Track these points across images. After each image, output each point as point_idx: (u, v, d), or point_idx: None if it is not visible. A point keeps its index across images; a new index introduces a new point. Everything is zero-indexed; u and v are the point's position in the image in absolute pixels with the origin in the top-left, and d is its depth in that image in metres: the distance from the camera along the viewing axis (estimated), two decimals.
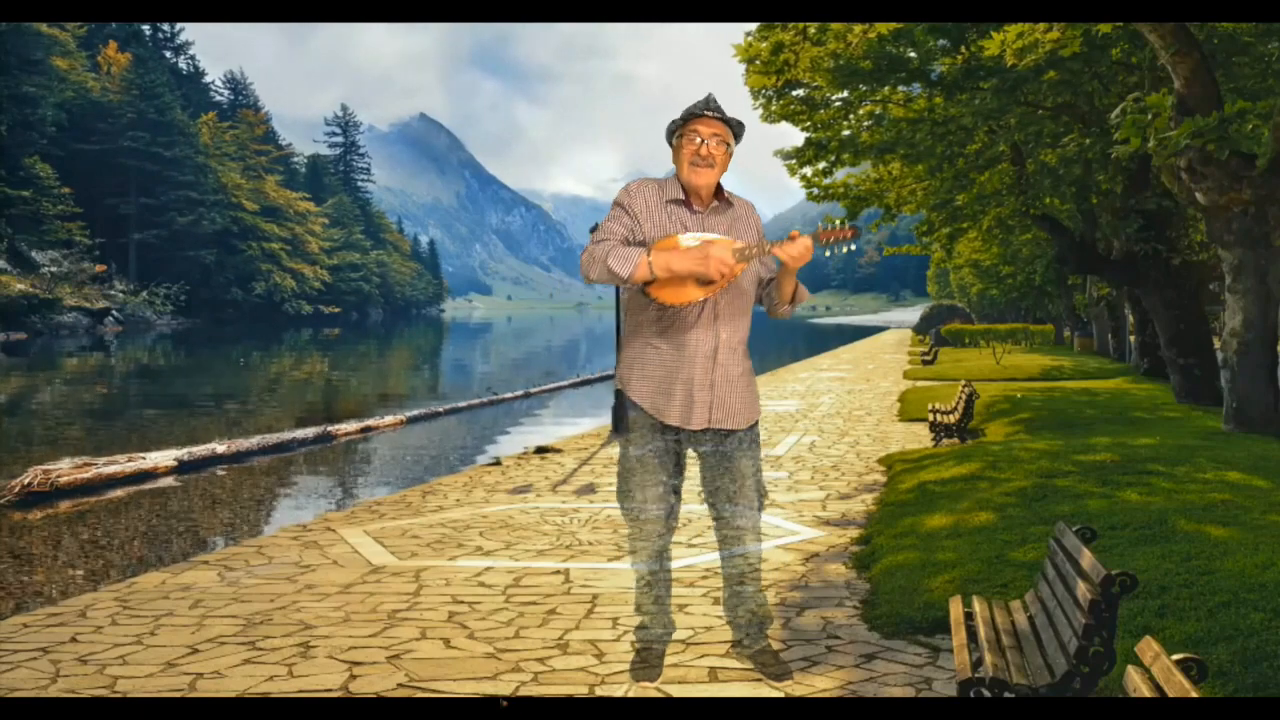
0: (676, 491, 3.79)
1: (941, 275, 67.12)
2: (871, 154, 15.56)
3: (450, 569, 5.73)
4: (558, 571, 5.62)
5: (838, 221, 3.46)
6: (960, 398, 11.38)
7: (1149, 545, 4.96)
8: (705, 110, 3.58)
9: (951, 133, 14.46)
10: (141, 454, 11.58)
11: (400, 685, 3.82)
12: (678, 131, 3.62)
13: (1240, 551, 4.65)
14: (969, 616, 3.39)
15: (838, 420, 14.19)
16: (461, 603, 5.00)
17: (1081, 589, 2.73)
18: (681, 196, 3.65)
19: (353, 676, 3.93)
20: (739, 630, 3.90)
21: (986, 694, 2.76)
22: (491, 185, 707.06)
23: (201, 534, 8.70)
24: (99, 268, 65.51)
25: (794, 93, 14.87)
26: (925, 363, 28.96)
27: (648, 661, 3.84)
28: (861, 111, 15.68)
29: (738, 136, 3.65)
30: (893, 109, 15.28)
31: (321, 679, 3.91)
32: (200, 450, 12.17)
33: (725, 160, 3.63)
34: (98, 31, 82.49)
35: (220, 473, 11.68)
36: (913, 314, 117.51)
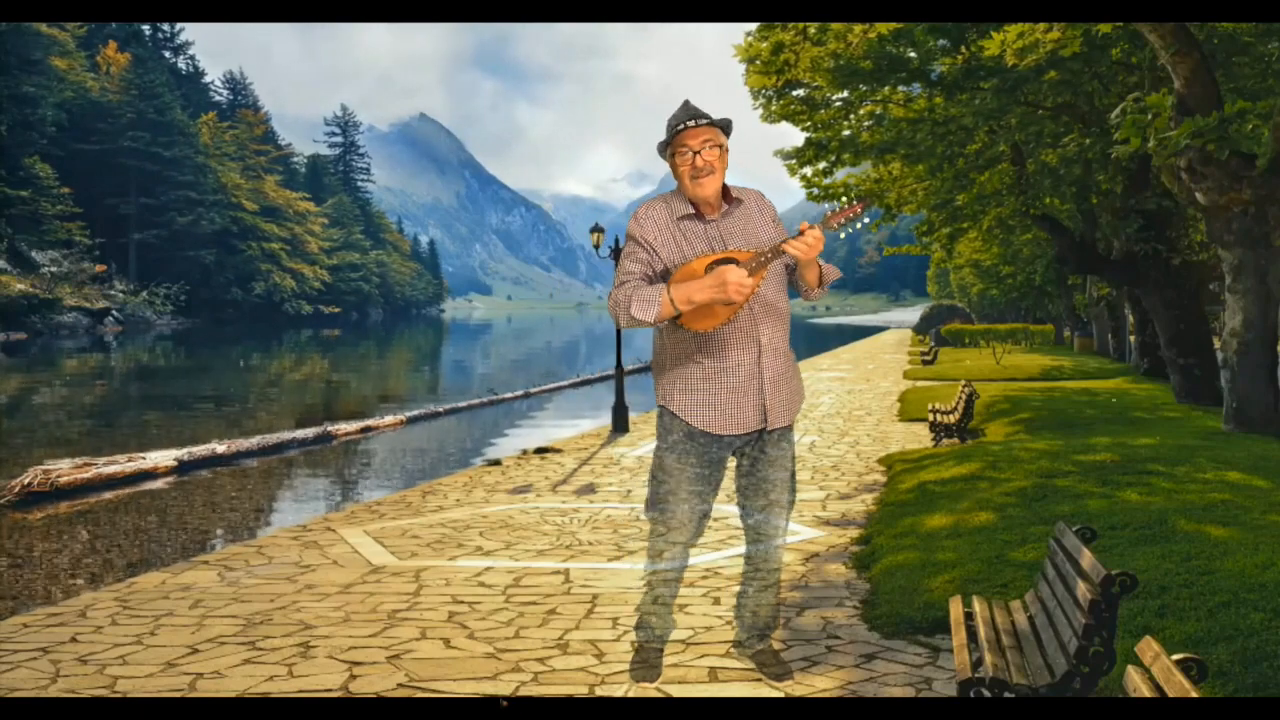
0: (707, 505, 3.76)
1: (941, 275, 67.12)
2: (872, 154, 15.55)
3: (450, 569, 5.73)
4: (558, 571, 5.62)
5: (843, 201, 3.46)
6: (960, 398, 11.38)
7: (1149, 545, 4.96)
8: (686, 122, 3.55)
9: (952, 133, 14.45)
10: (141, 454, 11.58)
11: (400, 685, 3.82)
12: (669, 149, 3.61)
13: (1240, 551, 4.65)
14: (969, 616, 3.39)
15: (838, 420, 14.19)
16: (461, 603, 5.00)
17: (1081, 589, 2.73)
18: (690, 210, 3.64)
19: (353, 676, 3.93)
20: (744, 629, 3.89)
21: (986, 694, 2.76)
22: (491, 185, 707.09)
23: (201, 534, 8.71)
24: (99, 268, 65.49)
25: (794, 93, 14.87)
26: (925, 363, 28.96)
27: (648, 661, 3.83)
28: (862, 111, 15.67)
29: (727, 132, 3.63)
30: (893, 109, 15.28)
31: (321, 679, 3.91)
32: (200, 450, 12.17)
33: (723, 161, 3.60)
34: (97, 31, 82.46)
35: (220, 473, 11.68)
36: (913, 314, 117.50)
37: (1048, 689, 2.72)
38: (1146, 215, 14.43)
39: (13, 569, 7.26)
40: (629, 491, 8.37)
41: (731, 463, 3.80)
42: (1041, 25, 10.22)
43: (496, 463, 10.80)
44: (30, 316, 54.93)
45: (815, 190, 17.07)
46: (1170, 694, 1.99)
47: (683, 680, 3.81)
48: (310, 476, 12.00)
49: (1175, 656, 2.09)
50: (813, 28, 13.04)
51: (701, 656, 4.08)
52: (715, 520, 3.86)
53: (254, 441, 13.21)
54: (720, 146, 3.58)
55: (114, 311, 64.24)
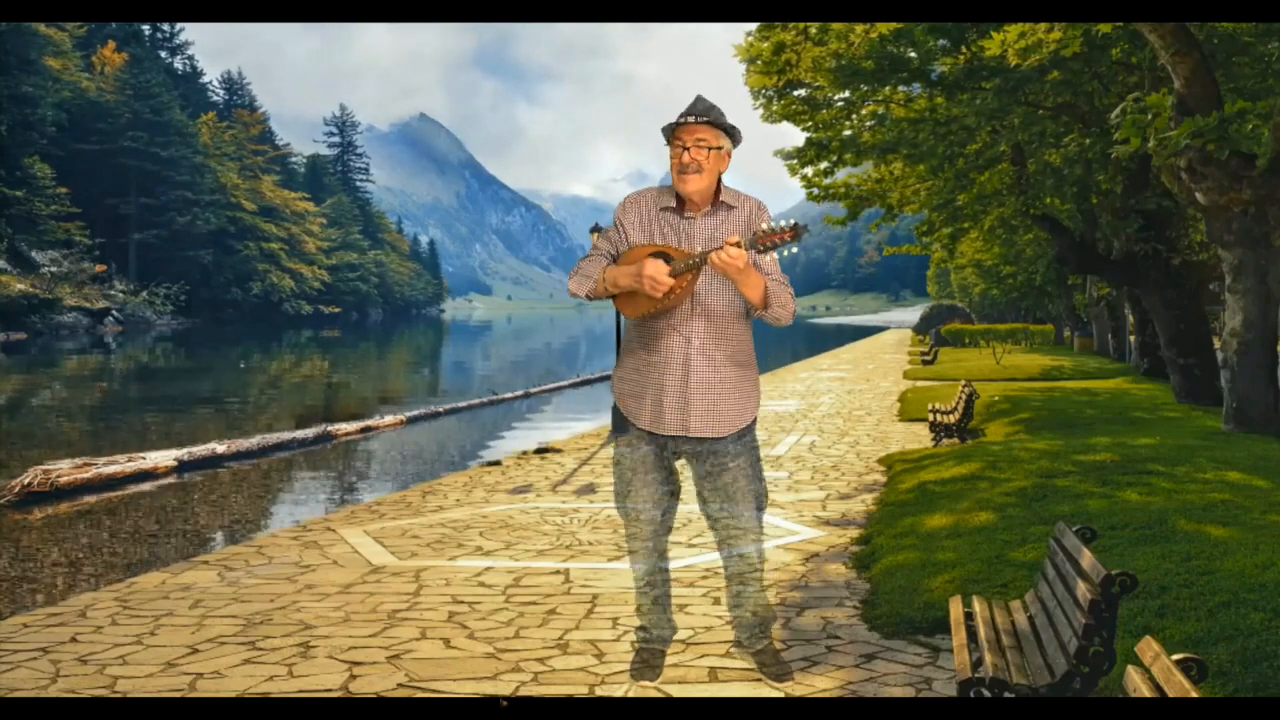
0: (673, 494, 3.78)
1: (942, 275, 67.09)
2: (874, 154, 15.56)
3: (450, 569, 5.73)
4: (558, 571, 5.62)
5: (782, 223, 3.37)
6: (960, 398, 11.38)
7: (1149, 545, 4.96)
8: (686, 118, 3.56)
9: (953, 133, 14.46)
10: (141, 454, 11.58)
11: (400, 685, 3.82)
12: (668, 140, 3.63)
13: (1240, 551, 4.65)
14: (969, 616, 3.39)
15: (838, 420, 14.19)
16: (461, 603, 5.00)
17: (1081, 589, 2.73)
18: (673, 204, 3.65)
19: (353, 676, 3.93)
20: (741, 630, 3.90)
21: (986, 694, 2.76)
22: (491, 185, 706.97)
23: (201, 534, 8.71)
24: (99, 268, 65.50)
25: (795, 93, 14.88)
26: (925, 363, 28.97)
27: (648, 661, 3.83)
28: (864, 111, 15.68)
29: (733, 138, 3.62)
30: (894, 109, 15.28)
31: (321, 679, 3.91)
32: (200, 450, 12.17)
33: (716, 162, 3.58)
34: (97, 31, 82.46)
35: (220, 473, 11.68)
36: (913, 314, 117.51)
37: (1048, 689, 2.72)
38: (1146, 215, 14.43)
39: (13, 569, 7.26)
40: None
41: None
42: (1042, 25, 10.21)
43: (496, 463, 10.80)
44: (30, 316, 54.92)
45: (815, 190, 17.10)
46: (1170, 694, 1.99)
47: (683, 680, 3.81)
48: (310, 477, 12.00)
49: (1175, 656, 2.09)
50: (814, 28, 13.04)
51: (701, 656, 4.08)
52: (709, 522, 3.84)
53: (254, 441, 13.21)
54: (715, 148, 3.56)
55: (114, 311, 64.24)
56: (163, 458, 11.55)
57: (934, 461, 8.67)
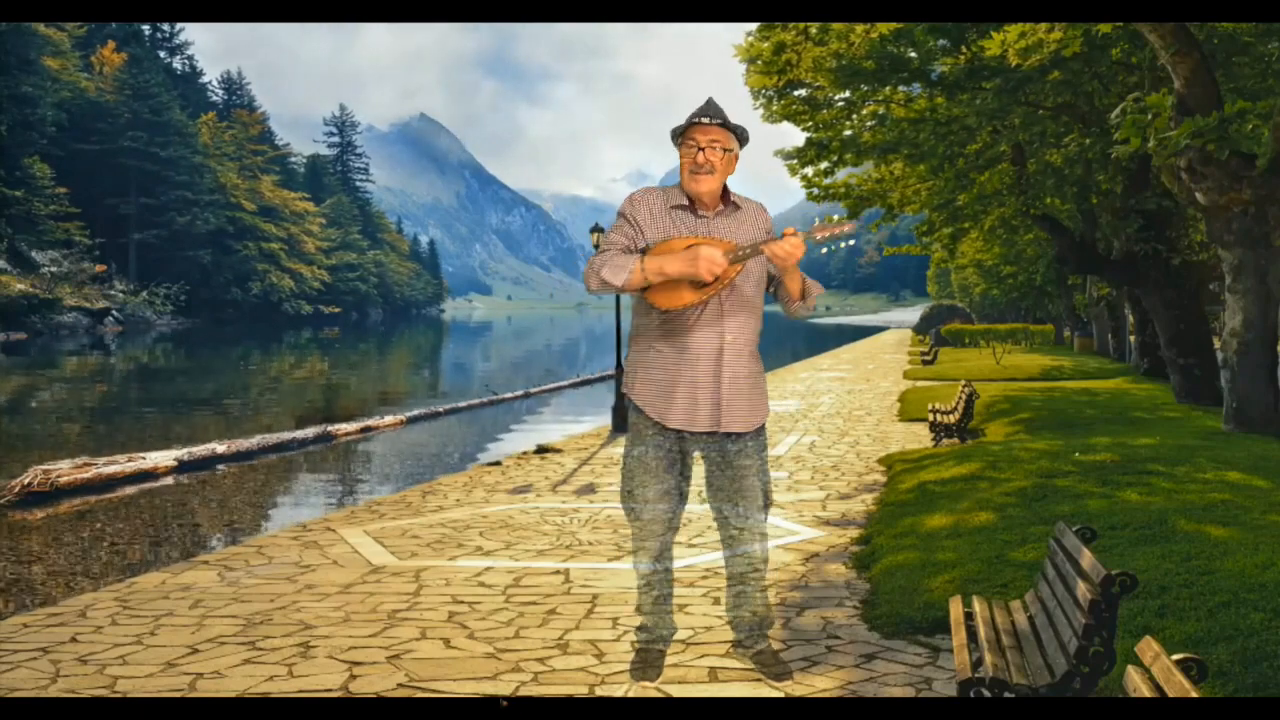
0: (681, 494, 3.78)
1: (942, 275, 67.12)
2: (874, 154, 15.55)
3: (450, 569, 5.73)
4: (558, 571, 5.62)
5: (834, 217, 3.44)
6: (960, 398, 11.38)
7: (1149, 545, 4.96)
8: (700, 118, 3.58)
9: (953, 133, 14.46)
10: (141, 454, 11.58)
11: (400, 685, 3.82)
12: (679, 139, 3.63)
13: (1240, 551, 4.65)
14: (969, 616, 3.39)
15: (838, 420, 14.19)
16: (461, 603, 5.00)
17: (1081, 589, 2.73)
18: (685, 202, 3.65)
19: (353, 676, 3.93)
20: (740, 630, 3.90)
21: (986, 694, 2.76)
22: (491, 185, 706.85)
23: (201, 534, 8.71)
24: (99, 268, 65.49)
25: (795, 93, 14.88)
26: (925, 363, 28.96)
27: (648, 661, 3.83)
28: (865, 111, 15.68)
29: (741, 141, 3.65)
30: (895, 109, 15.28)
31: (321, 679, 3.91)
32: (200, 450, 12.17)
33: (727, 165, 3.61)
34: (96, 32, 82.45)
35: (220, 473, 11.68)
36: (913, 314, 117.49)
37: (1048, 689, 2.72)
38: (1146, 215, 14.43)
39: (13, 569, 7.26)
40: None
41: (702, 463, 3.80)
42: (1043, 25, 10.21)
43: (497, 463, 10.80)
44: (30, 316, 54.93)
45: (815, 190, 17.09)
46: (1170, 694, 1.99)
47: (683, 680, 3.81)
48: (310, 476, 12.01)
49: (1175, 656, 2.09)
50: (814, 28, 13.04)
51: (701, 656, 4.08)
52: (717, 521, 3.86)
53: (254, 441, 13.21)
54: (727, 150, 3.59)
55: (114, 311, 64.24)
56: (163, 458, 11.55)
57: (934, 461, 8.67)
